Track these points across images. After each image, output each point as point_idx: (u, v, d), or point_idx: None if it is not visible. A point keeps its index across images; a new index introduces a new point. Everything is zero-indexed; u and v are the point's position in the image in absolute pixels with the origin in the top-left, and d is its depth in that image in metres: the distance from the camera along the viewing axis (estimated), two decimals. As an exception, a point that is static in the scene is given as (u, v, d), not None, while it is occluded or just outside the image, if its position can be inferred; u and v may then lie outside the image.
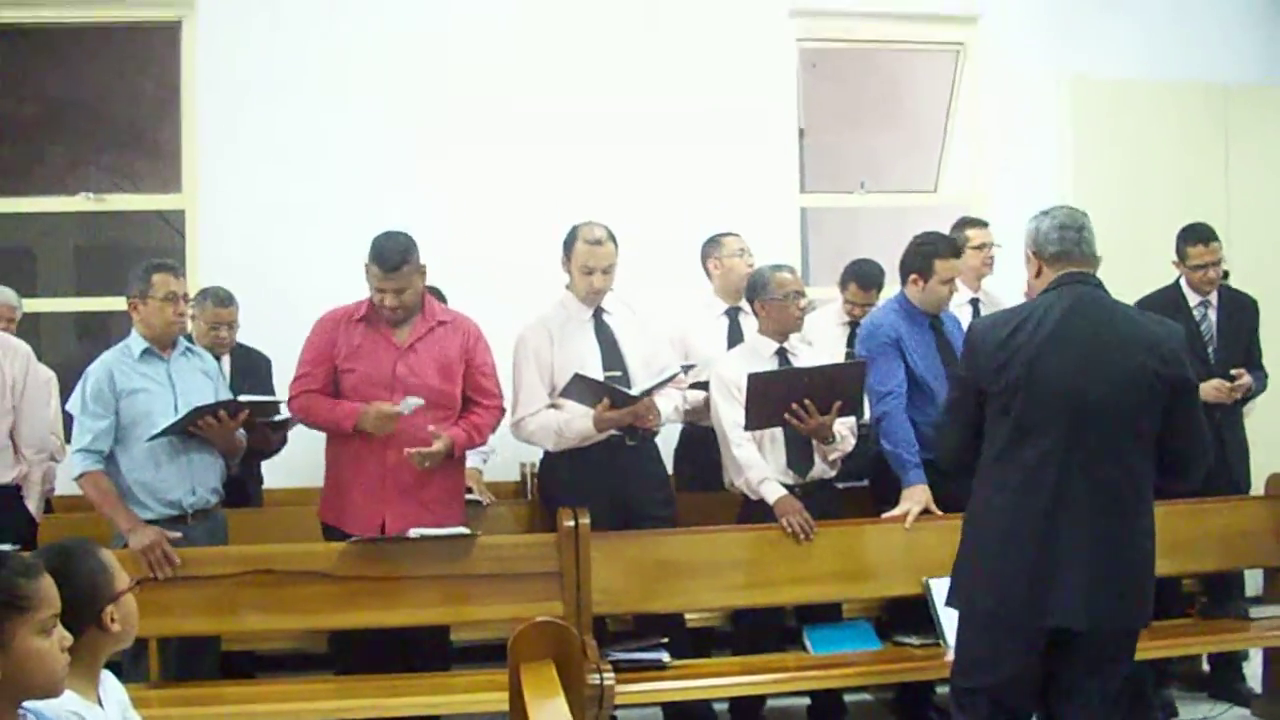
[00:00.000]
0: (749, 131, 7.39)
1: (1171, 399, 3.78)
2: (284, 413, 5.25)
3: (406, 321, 4.99)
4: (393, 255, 4.84)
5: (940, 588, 4.29)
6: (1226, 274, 6.04)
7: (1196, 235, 5.89)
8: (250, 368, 5.93)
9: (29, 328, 6.33)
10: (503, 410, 5.20)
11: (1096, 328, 3.80)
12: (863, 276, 6.22)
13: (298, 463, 5.91)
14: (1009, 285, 6.02)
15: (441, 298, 5.79)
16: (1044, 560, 3.73)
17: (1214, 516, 5.57)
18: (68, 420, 5.36)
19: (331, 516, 5.07)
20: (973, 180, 7.76)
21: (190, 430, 4.84)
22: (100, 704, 2.93)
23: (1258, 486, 5.82)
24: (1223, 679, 5.93)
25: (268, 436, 5.33)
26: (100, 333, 9.40)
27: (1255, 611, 5.52)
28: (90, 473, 4.77)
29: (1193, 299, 5.94)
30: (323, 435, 5.12)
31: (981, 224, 6.47)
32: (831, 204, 8.70)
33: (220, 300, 5.88)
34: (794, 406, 5.00)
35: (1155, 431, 3.79)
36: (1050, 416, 3.74)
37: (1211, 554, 5.57)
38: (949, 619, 4.67)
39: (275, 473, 6.22)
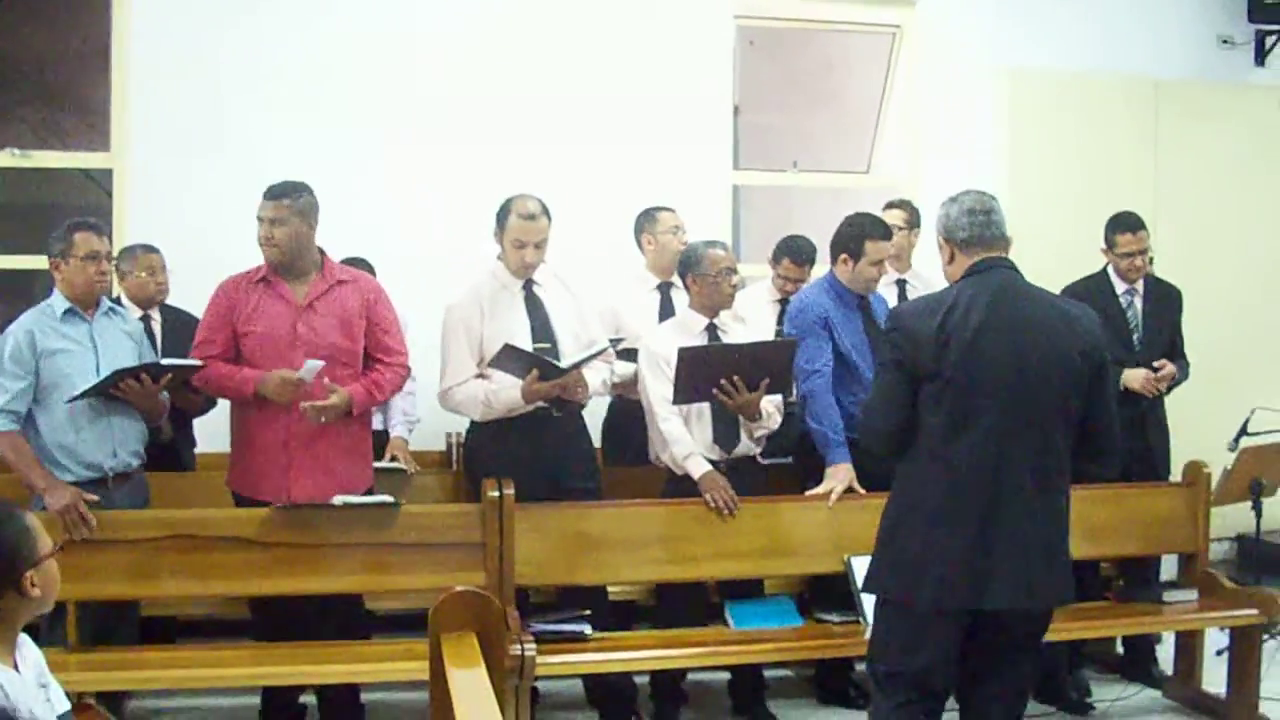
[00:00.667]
0: (684, 107, 7.39)
1: (1092, 379, 3.81)
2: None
3: (301, 278, 4.97)
4: (279, 187, 4.90)
5: (861, 566, 4.26)
6: (1151, 261, 6.11)
7: (1125, 224, 5.95)
8: (180, 328, 5.87)
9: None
10: (406, 368, 5.18)
11: (1023, 313, 3.79)
12: (795, 252, 6.23)
13: (227, 428, 5.88)
14: (936, 267, 6.06)
15: (370, 271, 5.75)
16: (982, 545, 3.71)
17: (1133, 502, 5.65)
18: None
19: (239, 483, 5.05)
20: (905, 163, 7.81)
21: (112, 392, 4.78)
22: (16, 668, 2.89)
23: (1178, 474, 5.89)
24: (1136, 662, 6.03)
25: (189, 397, 5.27)
26: (23, 292, 9.25)
27: (1170, 596, 5.60)
28: (6, 432, 4.71)
29: (1119, 287, 6.00)
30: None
31: (910, 206, 6.52)
32: (765, 182, 8.72)
33: (147, 248, 5.86)
34: (722, 382, 5.01)
35: (1079, 413, 3.82)
36: (986, 403, 3.72)
37: (1130, 538, 5.66)
38: (869, 597, 4.70)
39: (209, 438, 6.17)
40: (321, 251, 5.05)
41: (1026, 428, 3.73)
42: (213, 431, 5.92)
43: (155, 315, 5.85)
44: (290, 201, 4.87)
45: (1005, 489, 3.72)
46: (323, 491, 4.88)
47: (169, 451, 5.75)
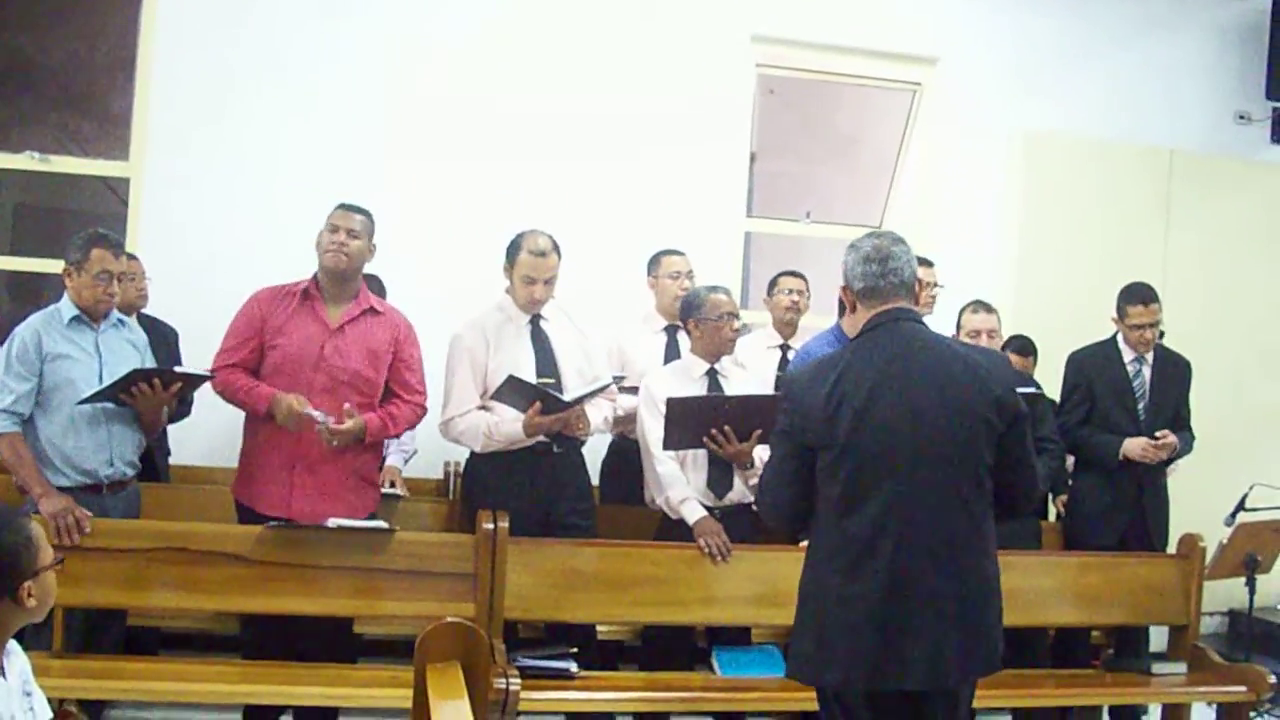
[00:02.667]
0: (701, 151, 7.43)
1: (1006, 429, 3.58)
2: (195, 387, 5.22)
3: (340, 301, 5.03)
4: (352, 204, 5.01)
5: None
6: (1162, 334, 6.12)
7: (1138, 295, 5.96)
8: (159, 339, 5.86)
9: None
10: (424, 408, 5.22)
11: (923, 368, 3.55)
12: (789, 271, 6.38)
13: (209, 440, 5.89)
14: (947, 326, 6.08)
15: (381, 287, 5.79)
16: (888, 624, 3.47)
17: (1127, 571, 5.65)
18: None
19: (243, 494, 5.06)
20: (917, 220, 7.82)
21: (121, 398, 4.79)
22: (4, 674, 2.90)
23: (1174, 546, 5.88)
24: (1122, 732, 6.01)
25: (171, 405, 5.25)
26: (32, 294, 9.27)
27: (1158, 668, 5.59)
28: (7, 434, 4.72)
29: (1127, 355, 6.02)
30: (236, 414, 5.11)
31: (926, 263, 6.51)
32: (777, 230, 8.74)
33: (128, 256, 5.83)
34: (713, 432, 5.02)
35: (990, 471, 3.58)
36: (884, 471, 3.49)
37: (1121, 608, 5.65)
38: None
39: (184, 449, 6.18)
40: (367, 279, 5.16)
41: (931, 492, 3.49)
42: (191, 443, 5.95)
43: (132, 323, 5.84)
44: (365, 220, 5.01)
45: (909, 561, 3.47)
46: (322, 515, 4.89)
47: (144, 460, 5.74)
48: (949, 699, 3.64)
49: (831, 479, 3.56)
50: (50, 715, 3.07)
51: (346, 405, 4.88)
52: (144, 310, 5.99)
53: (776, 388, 5.83)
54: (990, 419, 3.54)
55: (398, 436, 5.42)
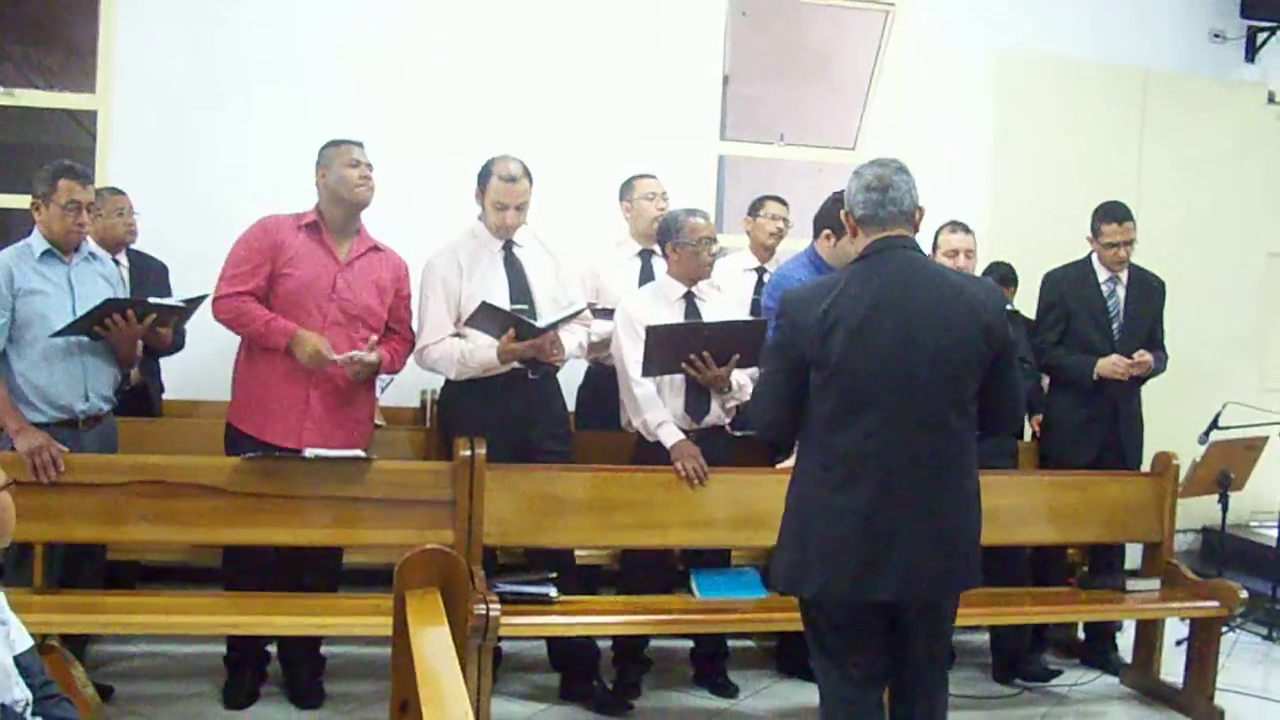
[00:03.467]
0: (674, 75, 7.38)
1: (994, 359, 3.68)
2: (186, 318, 5.19)
3: (345, 235, 5.06)
4: (353, 140, 5.05)
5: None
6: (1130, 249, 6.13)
7: (1112, 214, 5.96)
8: (147, 274, 5.84)
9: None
10: (413, 345, 5.24)
11: (917, 294, 3.63)
12: (776, 196, 6.38)
13: (197, 374, 5.86)
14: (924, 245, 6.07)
15: None
16: (872, 537, 3.59)
17: (1101, 489, 5.70)
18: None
19: (246, 422, 5.02)
20: (892, 142, 7.79)
21: (95, 330, 4.76)
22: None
23: (1149, 465, 5.92)
24: (1096, 648, 6.10)
25: (159, 333, 5.19)
26: (2, 230, 9.19)
27: (1132, 584, 5.65)
28: (-20, 370, 4.69)
29: (1102, 275, 6.02)
30: (226, 348, 5.10)
31: None
32: (751, 154, 8.71)
33: (115, 191, 5.89)
34: (691, 357, 5.02)
35: (975, 395, 3.70)
36: (875, 391, 3.59)
37: (1095, 526, 5.70)
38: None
39: (174, 383, 6.17)
40: None
41: (918, 415, 3.60)
42: (184, 378, 5.93)
43: (122, 259, 5.82)
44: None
45: (895, 478, 3.59)
46: (330, 445, 4.92)
47: (138, 395, 5.74)
48: (930, 613, 3.75)
49: (823, 396, 3.65)
50: (31, 643, 3.07)
51: (373, 337, 4.96)
52: (133, 245, 5.95)
53: (753, 311, 5.84)
54: (979, 346, 3.64)
55: (396, 373, 5.40)
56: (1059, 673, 5.75)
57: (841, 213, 3.86)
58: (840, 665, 3.78)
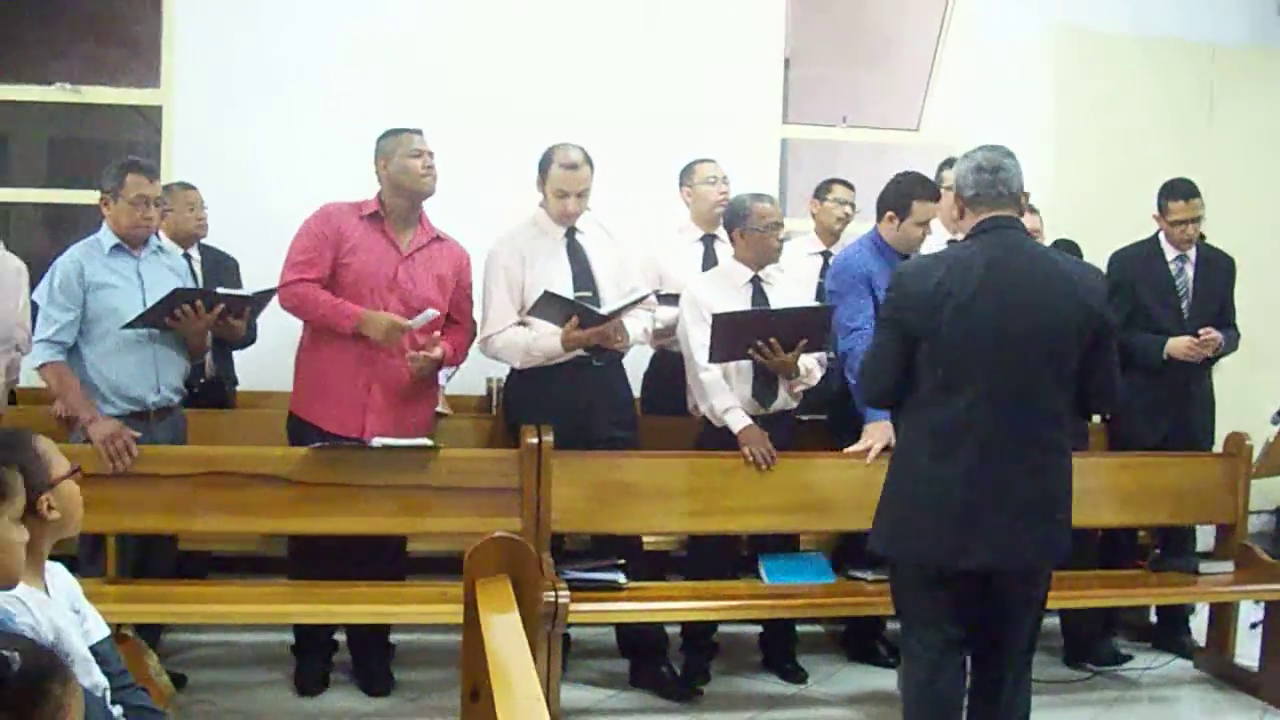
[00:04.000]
0: (735, 58, 7.36)
1: (1093, 342, 3.85)
2: (258, 311, 5.23)
3: (407, 225, 5.08)
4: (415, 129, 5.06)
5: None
6: (1203, 236, 6.04)
7: (1178, 191, 5.88)
8: (218, 268, 5.89)
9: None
10: (474, 336, 5.27)
11: (1022, 273, 3.82)
12: (842, 180, 6.31)
13: (270, 367, 5.90)
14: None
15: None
16: (969, 505, 3.79)
17: (1172, 470, 5.63)
18: (35, 311, 5.31)
19: (309, 412, 5.06)
20: (955, 122, 7.74)
21: (165, 321, 4.79)
22: (47, 592, 2.93)
23: (1220, 446, 5.84)
24: (1168, 631, 6.02)
25: (232, 326, 5.22)
26: (68, 225, 9.30)
27: (1205, 567, 5.57)
28: (52, 363, 4.75)
29: (1170, 253, 5.93)
30: (297, 340, 5.13)
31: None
32: (813, 137, 8.66)
33: (185, 185, 5.92)
34: (759, 344, 5.00)
35: (1075, 373, 3.87)
36: (978, 365, 3.78)
37: (1167, 507, 5.64)
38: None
39: (247, 375, 6.21)
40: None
41: (1017, 390, 3.78)
42: (257, 369, 5.97)
43: (194, 253, 5.87)
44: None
45: (992, 451, 3.78)
46: (392, 435, 4.94)
47: (213, 386, 5.79)
48: (1023, 584, 3.95)
49: (929, 368, 3.86)
50: (107, 633, 3.11)
51: (437, 333, 4.98)
52: (204, 240, 5.99)
53: (818, 295, 5.81)
54: (1078, 325, 3.81)
55: (458, 365, 5.42)
56: (1129, 658, 5.69)
57: (953, 193, 4.01)
58: (926, 628, 3.96)
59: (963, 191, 3.94)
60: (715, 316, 4.97)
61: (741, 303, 5.19)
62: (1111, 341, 3.96)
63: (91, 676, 2.89)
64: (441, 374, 6.05)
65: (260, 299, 5.10)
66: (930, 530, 3.85)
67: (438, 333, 4.99)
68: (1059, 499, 3.90)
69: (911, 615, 4.05)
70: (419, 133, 5.04)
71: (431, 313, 4.89)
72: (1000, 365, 3.76)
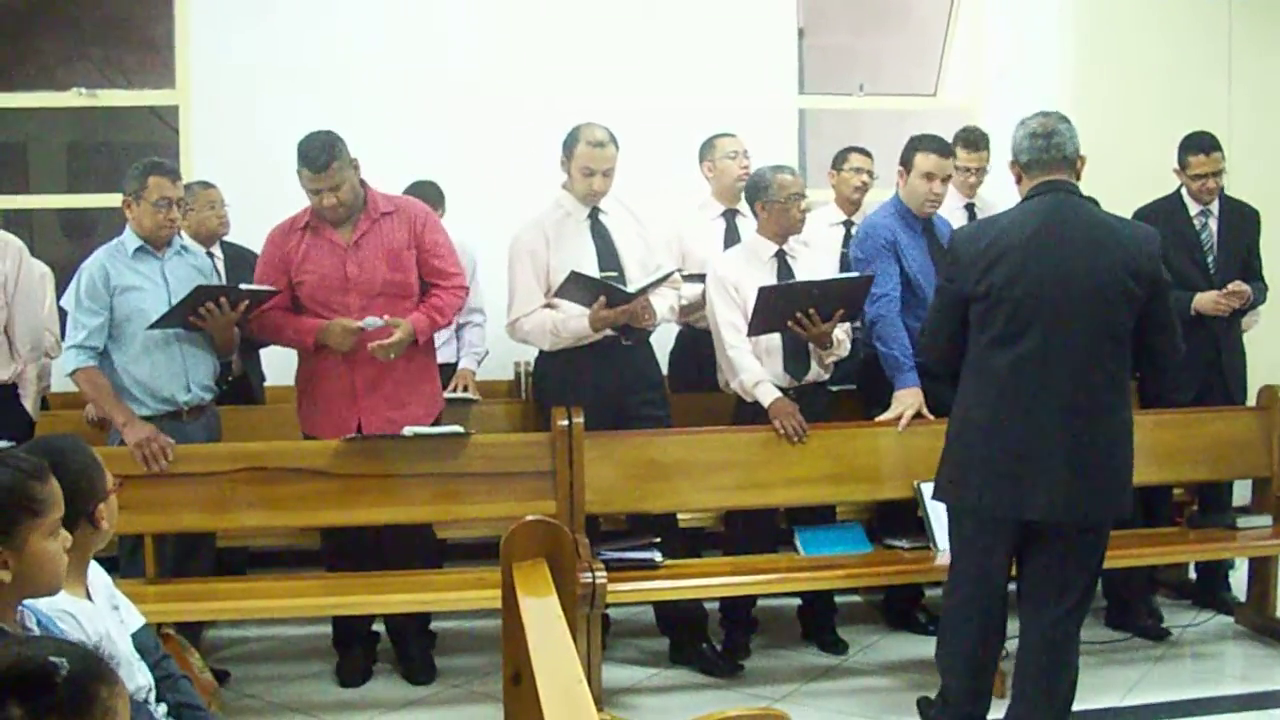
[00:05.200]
0: (748, 30, 7.31)
1: (1147, 300, 3.95)
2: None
3: (348, 220, 4.97)
4: (319, 154, 4.82)
5: (931, 491, 4.40)
6: (1222, 189, 6.00)
7: (1198, 145, 5.84)
8: (242, 264, 5.89)
9: (21, 224, 6.29)
10: (465, 288, 5.19)
11: (1073, 233, 3.93)
12: (859, 148, 6.27)
13: (295, 360, 5.92)
14: (1008, 191, 5.99)
15: (440, 194, 5.80)
16: (1024, 457, 3.93)
17: (1206, 426, 5.60)
18: (62, 317, 5.34)
19: (310, 427, 5.10)
20: (973, 85, 7.70)
21: (190, 320, 4.81)
22: (89, 596, 2.95)
23: (1253, 399, 5.81)
24: (1208, 587, 5.99)
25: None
26: (89, 230, 9.34)
27: (1243, 522, 5.54)
28: (84, 368, 4.76)
29: (1193, 208, 5.89)
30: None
31: (974, 146, 6.27)
32: (830, 106, 8.62)
33: (205, 184, 5.90)
34: (798, 315, 4.98)
35: (1130, 332, 3.98)
36: (1030, 322, 3.91)
37: (1202, 464, 5.61)
38: (939, 523, 4.73)
39: (275, 370, 6.22)
40: (363, 184, 5.04)
41: (1070, 345, 3.90)
42: (282, 364, 5.97)
43: (217, 251, 5.88)
44: (339, 162, 4.85)
45: (1048, 404, 3.91)
46: (394, 427, 4.93)
47: (240, 384, 5.81)
48: (1084, 539, 4.05)
49: (984, 325, 4.01)
50: (142, 621, 3.14)
51: (387, 317, 4.86)
52: (226, 238, 6.00)
53: (842, 265, 5.79)
54: (1129, 284, 3.92)
55: (448, 325, 5.37)
56: (1168, 633, 5.62)
57: (1010, 159, 4.15)
58: (977, 583, 4.13)
59: (1019, 157, 4.08)
60: (761, 289, 4.96)
61: (767, 277, 5.17)
62: (1167, 300, 4.06)
63: (135, 680, 2.91)
64: (471, 358, 6.08)
65: (272, 293, 5.10)
66: (988, 481, 3.99)
67: (386, 316, 4.85)
68: (1118, 454, 3.99)
69: (962, 568, 4.18)
70: (308, 167, 4.85)
71: (375, 321, 4.81)
72: (1053, 321, 3.89)
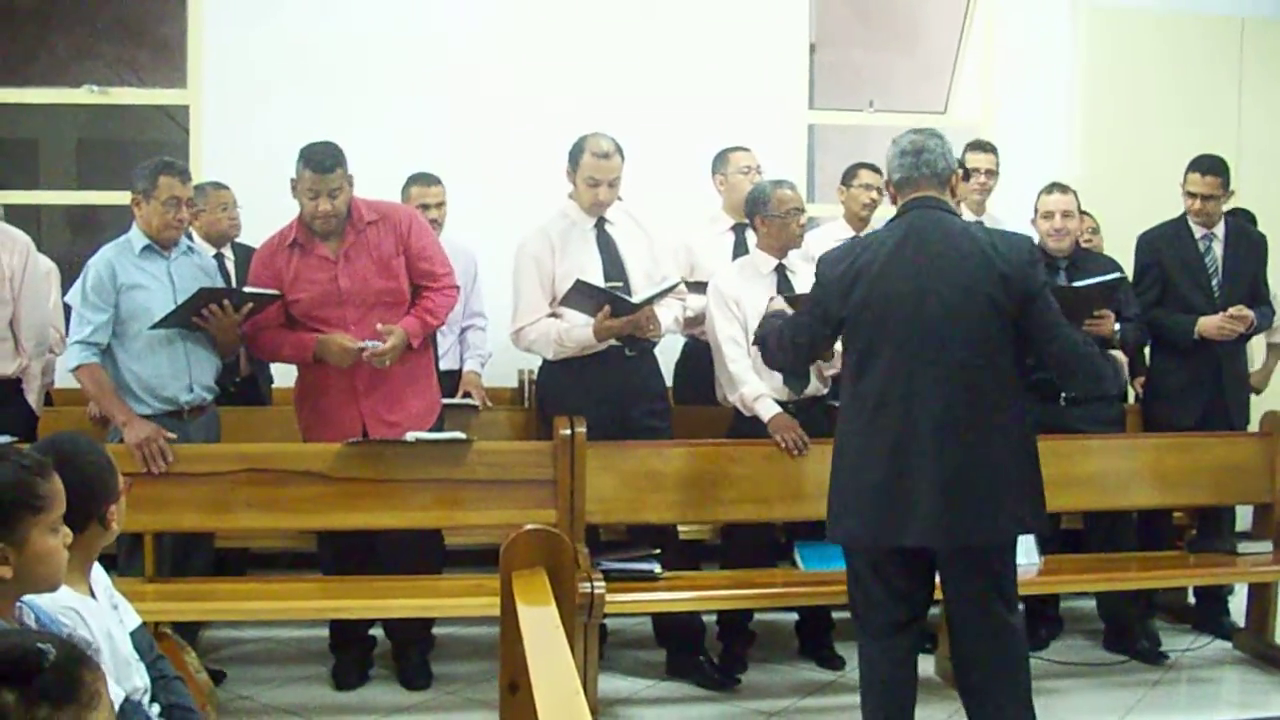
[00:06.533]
0: (760, 44, 7.33)
1: (1021, 308, 3.82)
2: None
3: (335, 233, 4.96)
4: (324, 158, 4.84)
5: None
6: (1235, 213, 5.99)
7: (1197, 164, 5.83)
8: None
9: (29, 219, 6.30)
10: (456, 288, 5.20)
11: (932, 249, 3.83)
12: (869, 164, 6.24)
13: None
14: (1016, 209, 6.02)
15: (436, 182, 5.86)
16: (894, 483, 3.80)
17: (1208, 451, 5.59)
18: (67, 313, 5.35)
19: (311, 433, 5.10)
20: (982, 103, 7.71)
21: (193, 321, 4.81)
22: (93, 595, 2.96)
23: (1256, 425, 5.81)
24: (1207, 612, 5.98)
25: None
26: (96, 227, 9.36)
27: (1243, 547, 5.54)
28: (87, 364, 4.76)
29: (1198, 231, 5.88)
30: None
31: (985, 148, 6.33)
32: (840, 121, 8.64)
33: (218, 185, 5.90)
34: None
35: (1011, 344, 3.85)
36: (891, 340, 3.82)
37: (1203, 488, 5.60)
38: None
39: (283, 372, 6.22)
40: None
41: (935, 361, 3.77)
42: (290, 367, 5.98)
43: (228, 253, 5.89)
44: (342, 169, 4.88)
45: (918, 425, 3.78)
46: (397, 431, 4.93)
47: (248, 385, 5.81)
48: (969, 562, 3.86)
49: (849, 346, 3.99)
50: (139, 621, 3.14)
51: (380, 325, 4.86)
52: (237, 239, 6.00)
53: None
54: (996, 297, 3.79)
55: (442, 325, 5.36)
56: (1166, 656, 5.61)
57: (883, 180, 4.10)
58: (872, 610, 4.00)
59: (891, 176, 4.02)
60: (772, 299, 4.98)
61: (766, 292, 5.17)
62: (1046, 308, 3.88)
63: (132, 680, 2.91)
64: (475, 359, 6.08)
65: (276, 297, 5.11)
66: (861, 508, 3.88)
67: (380, 325, 4.86)
68: (991, 478, 3.79)
69: (857, 600, 4.07)
70: (311, 169, 4.86)
71: (376, 344, 4.82)
72: (911, 339, 3.79)
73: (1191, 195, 5.81)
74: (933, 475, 3.76)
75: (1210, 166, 5.80)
